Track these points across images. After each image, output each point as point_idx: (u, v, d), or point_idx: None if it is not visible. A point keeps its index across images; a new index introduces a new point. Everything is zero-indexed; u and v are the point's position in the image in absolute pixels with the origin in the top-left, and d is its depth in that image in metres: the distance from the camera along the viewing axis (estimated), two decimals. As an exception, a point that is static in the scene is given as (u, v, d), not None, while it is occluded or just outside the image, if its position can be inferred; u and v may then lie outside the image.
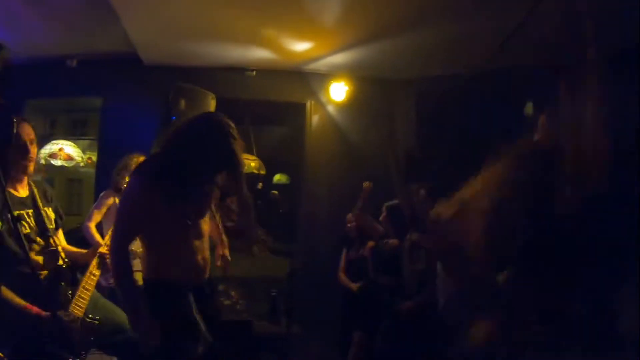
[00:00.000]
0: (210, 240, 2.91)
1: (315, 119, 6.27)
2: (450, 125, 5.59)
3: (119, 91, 5.86)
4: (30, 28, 5.16)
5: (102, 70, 5.81)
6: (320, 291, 5.46)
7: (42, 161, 6.32)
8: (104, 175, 4.85)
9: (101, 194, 4.70)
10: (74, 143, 6.69)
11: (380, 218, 4.73)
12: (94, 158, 6.48)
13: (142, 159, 4.63)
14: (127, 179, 4.54)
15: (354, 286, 5.01)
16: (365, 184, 5.08)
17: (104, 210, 4.63)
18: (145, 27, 5.07)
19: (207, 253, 2.74)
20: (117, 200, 4.60)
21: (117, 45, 5.49)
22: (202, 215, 2.71)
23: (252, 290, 5.56)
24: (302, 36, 5.14)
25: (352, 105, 6.10)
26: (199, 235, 2.68)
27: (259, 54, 5.59)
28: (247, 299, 5.43)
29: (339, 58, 5.62)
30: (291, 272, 5.34)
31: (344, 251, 5.29)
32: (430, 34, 4.88)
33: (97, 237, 4.48)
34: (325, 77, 6.09)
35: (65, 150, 6.58)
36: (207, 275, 2.77)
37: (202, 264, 2.70)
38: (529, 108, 4.93)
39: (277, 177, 7.80)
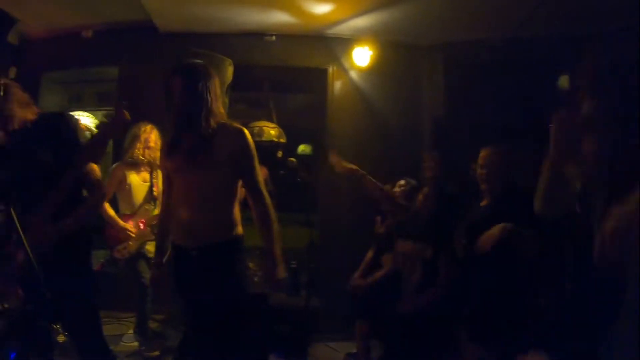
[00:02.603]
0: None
1: (337, 86, 6.29)
2: (480, 93, 5.60)
3: (134, 60, 6.03)
4: (44, 1, 5.38)
5: (118, 40, 6.02)
6: (340, 263, 5.59)
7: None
8: (120, 146, 5.01)
9: (112, 167, 4.81)
10: (91, 114, 6.88)
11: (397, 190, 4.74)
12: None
13: (149, 127, 4.80)
14: (140, 149, 4.74)
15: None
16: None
17: (114, 184, 4.70)
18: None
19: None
20: (127, 174, 4.76)
21: (133, 14, 5.63)
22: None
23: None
24: (323, -2, 5.15)
25: (376, 71, 6.10)
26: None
27: (279, 17, 5.64)
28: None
29: (362, 21, 5.62)
30: (311, 244, 5.48)
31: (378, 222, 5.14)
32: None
33: (110, 211, 4.66)
34: (348, 41, 6.09)
35: (82, 122, 6.76)
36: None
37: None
38: (563, 81, 4.94)
39: (302, 148, 7.86)
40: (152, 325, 5.11)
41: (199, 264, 2.85)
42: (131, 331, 5.04)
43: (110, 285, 4.92)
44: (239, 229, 2.94)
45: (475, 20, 5.35)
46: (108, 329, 4.93)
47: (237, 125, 2.89)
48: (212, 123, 2.79)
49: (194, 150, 2.77)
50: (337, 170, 4.73)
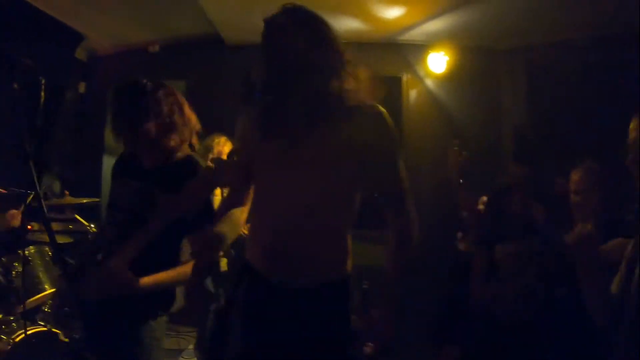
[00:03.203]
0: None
1: (412, 95, 6.08)
2: (566, 100, 5.19)
3: (202, 74, 6.11)
4: (111, 17, 5.53)
5: (185, 54, 6.13)
6: (417, 284, 5.30)
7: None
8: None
9: None
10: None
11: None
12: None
13: (223, 139, 4.74)
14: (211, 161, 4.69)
15: None
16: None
17: None
18: (223, 4, 5.16)
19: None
20: None
21: (199, 27, 5.70)
22: None
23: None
24: (393, 1, 4.96)
25: (453, 78, 5.83)
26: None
27: (347, 24, 5.47)
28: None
29: (436, 25, 5.38)
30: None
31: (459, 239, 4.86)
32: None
33: None
34: (421, 47, 5.86)
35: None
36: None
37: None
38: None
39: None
40: (214, 342, 5.06)
41: (294, 308, 1.98)
42: (191, 346, 5.02)
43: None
44: (350, 264, 2.09)
45: (558, 19, 5.00)
46: (167, 343, 4.92)
47: (374, 104, 1.98)
48: (344, 93, 1.93)
49: (312, 130, 1.92)
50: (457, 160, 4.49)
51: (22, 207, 4.16)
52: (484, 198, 4.60)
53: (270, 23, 2.02)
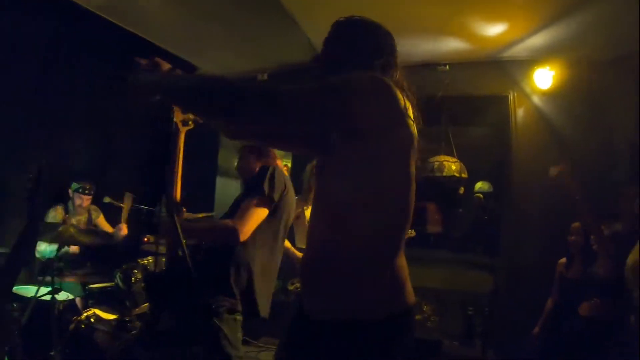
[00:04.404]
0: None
1: (520, 113, 5.97)
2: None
3: None
4: (221, 49, 6.05)
5: (292, 82, 6.34)
6: (521, 312, 5.15)
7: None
8: (297, 182, 5.22)
9: None
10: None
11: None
12: (289, 164, 7.04)
13: None
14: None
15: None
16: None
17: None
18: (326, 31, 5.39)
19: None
20: (305, 209, 4.87)
21: (304, 54, 5.85)
22: None
23: (447, 306, 5.46)
24: (494, 18, 4.97)
25: (562, 93, 5.66)
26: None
27: (450, 45, 5.57)
28: (441, 316, 5.35)
29: (540, 39, 5.29)
30: (494, 290, 5.14)
31: (563, 265, 4.80)
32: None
33: (286, 242, 4.76)
34: (526, 63, 5.78)
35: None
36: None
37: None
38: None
39: (479, 185, 7.62)
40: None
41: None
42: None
43: (279, 313, 5.05)
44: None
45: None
46: (268, 356, 5.23)
47: None
48: None
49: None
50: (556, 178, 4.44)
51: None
52: (577, 224, 4.49)
53: None
